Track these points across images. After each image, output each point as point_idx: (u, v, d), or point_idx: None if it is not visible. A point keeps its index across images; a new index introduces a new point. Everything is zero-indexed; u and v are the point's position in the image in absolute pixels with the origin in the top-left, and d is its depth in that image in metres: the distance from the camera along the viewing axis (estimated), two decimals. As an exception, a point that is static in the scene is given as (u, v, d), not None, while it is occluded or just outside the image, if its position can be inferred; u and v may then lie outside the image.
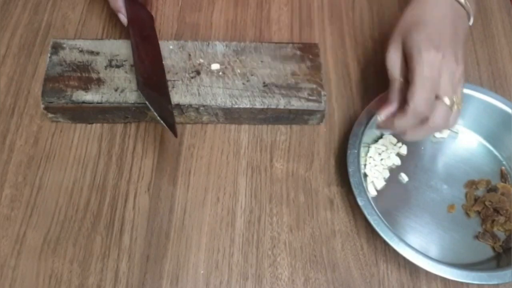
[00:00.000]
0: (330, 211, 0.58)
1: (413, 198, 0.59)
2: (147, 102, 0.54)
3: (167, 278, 0.54)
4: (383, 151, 0.61)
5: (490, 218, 0.57)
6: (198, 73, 0.61)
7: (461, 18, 0.56)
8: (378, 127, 0.57)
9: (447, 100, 0.51)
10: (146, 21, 0.64)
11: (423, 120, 0.52)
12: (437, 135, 0.63)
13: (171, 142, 0.61)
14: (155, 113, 0.53)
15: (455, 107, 0.52)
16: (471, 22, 0.57)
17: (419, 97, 0.50)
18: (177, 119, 0.62)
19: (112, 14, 0.70)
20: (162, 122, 0.53)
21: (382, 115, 0.55)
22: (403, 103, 0.52)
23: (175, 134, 0.53)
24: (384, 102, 0.55)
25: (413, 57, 0.51)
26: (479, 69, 0.69)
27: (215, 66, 0.62)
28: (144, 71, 0.58)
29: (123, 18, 0.64)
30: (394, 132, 0.56)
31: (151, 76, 0.58)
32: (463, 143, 0.63)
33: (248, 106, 0.60)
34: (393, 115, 0.53)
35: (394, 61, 0.54)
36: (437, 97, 0.51)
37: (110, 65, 0.61)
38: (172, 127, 0.53)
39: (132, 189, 0.58)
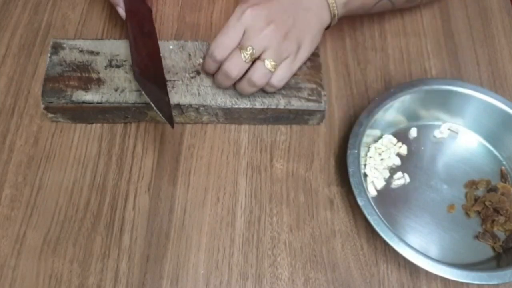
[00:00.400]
0: (330, 211, 0.58)
1: (413, 198, 0.59)
2: (143, 92, 0.54)
3: (167, 278, 0.54)
4: (383, 151, 0.61)
5: (490, 218, 0.57)
6: (198, 73, 0.61)
7: (320, 8, 0.58)
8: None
9: (245, 54, 0.55)
10: (145, 15, 0.64)
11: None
12: (437, 135, 0.63)
13: (171, 142, 0.62)
14: (151, 103, 0.54)
15: (267, 66, 0.55)
16: (332, 22, 0.60)
17: (216, 40, 0.55)
18: (177, 119, 0.62)
19: (112, 14, 0.70)
20: (158, 112, 0.53)
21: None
22: None
23: (172, 125, 0.54)
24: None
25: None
26: (479, 69, 0.69)
27: None
28: (140, 62, 0.58)
29: (122, 11, 0.64)
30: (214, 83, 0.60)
31: (148, 67, 0.58)
32: (463, 143, 0.63)
33: (248, 106, 0.60)
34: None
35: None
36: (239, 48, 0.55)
37: (110, 65, 0.61)
38: (169, 117, 0.54)
39: (132, 189, 0.58)
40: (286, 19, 0.56)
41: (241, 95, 0.59)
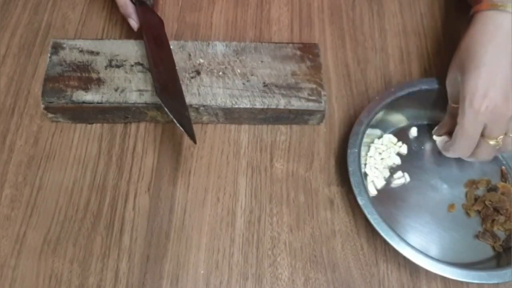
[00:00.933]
0: (330, 211, 0.58)
1: (413, 197, 0.59)
2: (166, 110, 0.54)
3: (167, 278, 0.54)
4: (383, 150, 0.61)
5: (490, 217, 0.57)
6: (198, 73, 0.61)
7: None
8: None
9: (491, 142, 0.53)
10: (157, 26, 0.64)
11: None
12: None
13: (171, 142, 0.61)
14: (174, 120, 0.53)
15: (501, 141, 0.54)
16: None
17: (458, 145, 0.54)
18: (177, 119, 0.62)
19: (112, 14, 0.70)
20: (181, 128, 0.53)
21: (436, 138, 0.60)
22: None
23: (194, 141, 0.54)
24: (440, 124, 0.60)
25: (460, 105, 0.53)
26: (479, 69, 0.69)
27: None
28: (160, 78, 0.58)
29: (134, 23, 0.64)
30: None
31: (167, 82, 0.58)
32: (463, 143, 0.63)
33: (248, 106, 0.60)
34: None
35: (450, 91, 0.57)
36: (482, 136, 0.53)
37: (110, 65, 0.61)
38: (191, 134, 0.54)
39: (132, 189, 0.58)
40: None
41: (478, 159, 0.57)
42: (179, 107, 0.56)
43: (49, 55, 0.62)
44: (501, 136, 0.53)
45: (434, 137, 0.60)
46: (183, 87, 0.60)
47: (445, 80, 0.58)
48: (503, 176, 0.60)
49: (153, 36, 0.62)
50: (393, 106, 0.60)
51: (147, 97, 0.59)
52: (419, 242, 0.56)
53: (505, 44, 0.52)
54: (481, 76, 0.52)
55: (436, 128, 0.60)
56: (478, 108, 0.51)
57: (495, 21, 0.53)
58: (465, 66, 0.53)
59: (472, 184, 0.59)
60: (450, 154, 0.57)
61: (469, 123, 0.52)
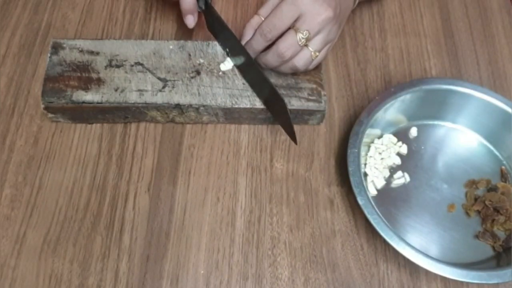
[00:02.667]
0: (330, 211, 0.58)
1: (413, 197, 0.59)
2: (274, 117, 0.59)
3: (167, 278, 0.54)
4: (383, 150, 0.61)
5: (490, 217, 0.57)
6: (198, 73, 0.61)
7: None
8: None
9: (298, 34, 0.54)
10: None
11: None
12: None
13: (171, 142, 0.62)
14: (280, 124, 0.59)
15: (311, 51, 0.56)
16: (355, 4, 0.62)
17: (269, 20, 0.55)
18: (177, 119, 0.62)
19: (113, 14, 0.70)
20: (287, 134, 0.58)
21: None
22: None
23: (295, 142, 0.58)
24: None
25: None
26: (479, 69, 0.69)
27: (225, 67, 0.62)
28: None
29: (192, 21, 0.62)
30: (258, 61, 0.59)
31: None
32: (463, 143, 0.63)
33: (248, 106, 0.60)
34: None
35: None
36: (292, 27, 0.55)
37: (110, 65, 0.61)
38: (294, 137, 0.57)
39: (132, 189, 0.58)
40: (338, 3, 0.55)
41: (265, 66, 0.59)
42: (281, 111, 0.57)
43: (49, 55, 0.62)
44: (308, 35, 0.54)
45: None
46: (183, 87, 0.60)
47: None
48: (503, 176, 0.60)
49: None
50: (393, 106, 0.60)
51: (147, 97, 0.59)
52: (419, 242, 0.56)
53: None
54: None
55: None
56: None
57: None
58: None
59: (472, 184, 0.59)
60: (255, 42, 0.57)
61: (287, 3, 0.54)
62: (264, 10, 0.58)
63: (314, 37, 0.55)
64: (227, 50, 0.62)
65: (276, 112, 0.59)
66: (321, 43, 0.56)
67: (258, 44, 0.57)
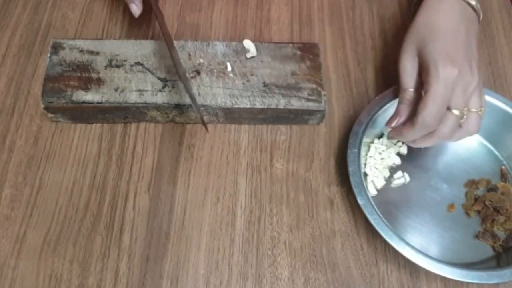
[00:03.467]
0: (330, 211, 0.58)
1: (413, 197, 0.59)
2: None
3: (167, 278, 0.54)
4: (383, 150, 0.61)
5: (490, 217, 0.57)
6: (198, 73, 0.61)
7: (472, 22, 0.56)
8: (389, 137, 0.58)
9: (456, 112, 0.52)
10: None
11: (431, 131, 0.53)
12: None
13: (171, 142, 0.62)
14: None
15: (477, 111, 0.53)
16: (479, 24, 0.58)
17: (429, 112, 0.51)
18: (177, 119, 0.62)
19: (113, 14, 0.70)
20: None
21: (390, 126, 0.56)
22: (413, 112, 0.53)
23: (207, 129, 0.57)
24: (395, 114, 0.56)
25: (429, 72, 0.52)
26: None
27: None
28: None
29: (136, 9, 0.62)
30: (403, 140, 0.58)
31: None
32: (463, 143, 0.63)
33: (248, 106, 0.60)
34: (403, 124, 0.55)
35: (408, 70, 0.56)
36: (448, 109, 0.52)
37: (110, 65, 0.61)
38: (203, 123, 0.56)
39: (132, 189, 0.58)
40: (473, 57, 0.53)
41: (416, 146, 0.57)
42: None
43: (49, 55, 0.62)
44: (466, 108, 0.53)
45: (388, 129, 0.57)
46: (183, 87, 0.60)
47: (400, 64, 0.56)
48: (503, 176, 0.60)
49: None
50: (393, 106, 0.60)
51: (147, 97, 0.59)
52: (419, 242, 0.56)
53: (458, 16, 0.55)
54: (447, 42, 0.52)
55: (389, 119, 0.56)
56: (451, 70, 0.51)
57: None
58: (427, 38, 0.54)
59: (472, 184, 0.59)
60: (414, 134, 0.53)
61: (442, 87, 0.51)
62: (408, 82, 0.55)
63: (470, 102, 0.53)
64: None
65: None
66: (478, 99, 0.53)
67: (417, 134, 0.54)
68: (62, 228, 0.56)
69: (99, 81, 0.60)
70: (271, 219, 0.58)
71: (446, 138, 0.54)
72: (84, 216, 0.57)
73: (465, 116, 0.53)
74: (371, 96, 0.66)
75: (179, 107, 0.60)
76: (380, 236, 0.52)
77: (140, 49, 0.63)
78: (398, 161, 0.61)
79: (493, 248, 0.56)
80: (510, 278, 0.51)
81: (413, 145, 0.57)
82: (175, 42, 0.63)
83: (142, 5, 0.62)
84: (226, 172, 0.60)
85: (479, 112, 0.54)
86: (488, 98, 0.61)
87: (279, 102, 0.60)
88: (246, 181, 0.60)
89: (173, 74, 0.61)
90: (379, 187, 0.59)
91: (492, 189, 0.59)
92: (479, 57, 0.55)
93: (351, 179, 0.55)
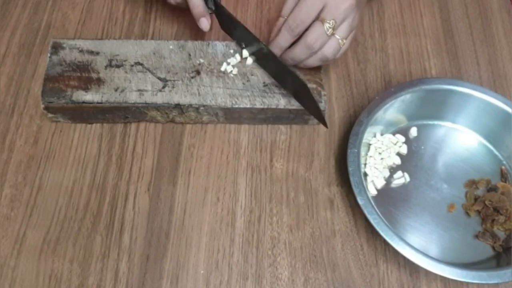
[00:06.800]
0: (330, 211, 0.58)
1: (413, 197, 0.59)
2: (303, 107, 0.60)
3: (167, 278, 0.54)
4: (383, 150, 0.61)
5: (490, 217, 0.57)
6: (198, 73, 0.61)
7: None
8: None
9: (325, 24, 0.55)
10: None
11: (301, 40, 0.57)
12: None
13: (171, 142, 0.61)
14: (309, 112, 0.60)
15: (338, 38, 0.57)
16: None
17: (297, 13, 0.55)
18: (177, 119, 0.62)
19: (112, 14, 0.70)
20: (317, 120, 0.59)
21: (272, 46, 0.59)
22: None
23: (326, 125, 0.58)
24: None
25: None
26: (479, 69, 0.69)
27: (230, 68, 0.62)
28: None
29: (206, 24, 0.62)
30: (285, 57, 0.60)
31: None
32: (463, 143, 0.63)
33: (248, 106, 0.60)
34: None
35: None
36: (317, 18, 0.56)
37: (110, 65, 0.61)
38: (322, 119, 0.58)
39: (132, 189, 0.58)
40: None
41: (292, 61, 0.59)
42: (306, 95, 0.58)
43: (49, 55, 0.62)
44: (334, 24, 0.55)
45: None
46: (183, 87, 0.60)
47: None
48: (503, 176, 0.60)
49: None
50: (393, 106, 0.60)
51: (147, 97, 0.59)
52: (419, 242, 0.56)
53: None
54: None
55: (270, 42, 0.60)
56: None
57: None
58: None
59: (472, 184, 0.59)
60: (283, 39, 0.57)
61: None
62: (286, 10, 0.58)
63: (340, 25, 0.56)
64: (243, 45, 0.62)
65: (302, 100, 0.59)
66: (347, 31, 0.57)
67: (285, 41, 0.58)
68: (62, 228, 0.56)
69: (99, 81, 0.60)
70: (271, 219, 0.57)
71: (313, 48, 0.56)
72: (84, 216, 0.57)
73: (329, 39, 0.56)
74: (371, 96, 0.66)
75: (179, 107, 0.60)
76: (380, 236, 0.52)
77: (140, 49, 0.63)
78: (398, 161, 0.61)
79: (493, 248, 0.56)
80: (510, 278, 0.51)
81: (289, 59, 0.59)
82: (175, 42, 0.63)
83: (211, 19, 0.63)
84: (226, 172, 0.60)
85: (340, 41, 0.57)
86: (488, 97, 0.61)
87: (279, 102, 0.60)
88: (246, 181, 0.60)
89: (173, 74, 0.61)
90: (379, 187, 0.59)
91: (492, 189, 0.59)
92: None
93: (351, 179, 0.55)
